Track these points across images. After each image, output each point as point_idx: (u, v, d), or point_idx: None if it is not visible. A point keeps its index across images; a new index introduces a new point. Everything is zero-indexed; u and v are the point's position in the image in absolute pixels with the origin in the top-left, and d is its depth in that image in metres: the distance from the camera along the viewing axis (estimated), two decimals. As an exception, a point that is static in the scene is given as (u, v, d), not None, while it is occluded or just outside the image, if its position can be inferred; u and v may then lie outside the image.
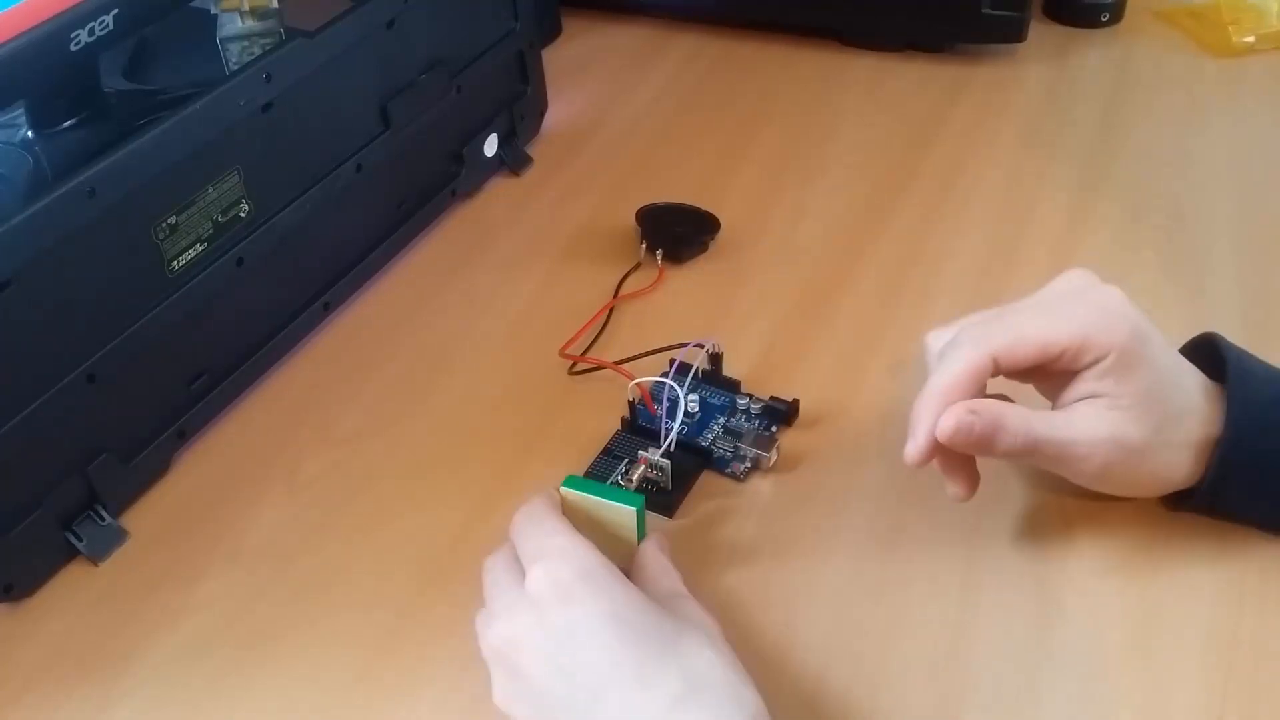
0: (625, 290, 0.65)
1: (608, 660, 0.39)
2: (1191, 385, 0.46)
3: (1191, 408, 0.45)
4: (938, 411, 0.44)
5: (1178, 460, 0.46)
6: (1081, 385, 0.45)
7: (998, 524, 0.50)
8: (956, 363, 0.45)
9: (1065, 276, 0.47)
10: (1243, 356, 0.47)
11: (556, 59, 0.85)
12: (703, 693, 0.38)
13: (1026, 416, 0.45)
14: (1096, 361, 0.44)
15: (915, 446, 0.45)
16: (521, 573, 0.43)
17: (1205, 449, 0.45)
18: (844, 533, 0.50)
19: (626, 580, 0.42)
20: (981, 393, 0.45)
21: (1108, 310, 0.45)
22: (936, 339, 0.49)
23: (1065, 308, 0.45)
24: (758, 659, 0.44)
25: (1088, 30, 0.87)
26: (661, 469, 0.52)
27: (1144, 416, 0.44)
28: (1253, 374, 0.46)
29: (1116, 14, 0.87)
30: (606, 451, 0.54)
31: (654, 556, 0.46)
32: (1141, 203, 0.68)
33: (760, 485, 0.53)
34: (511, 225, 0.72)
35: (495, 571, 0.44)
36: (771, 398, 0.56)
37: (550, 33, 0.89)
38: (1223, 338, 0.48)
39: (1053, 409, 0.47)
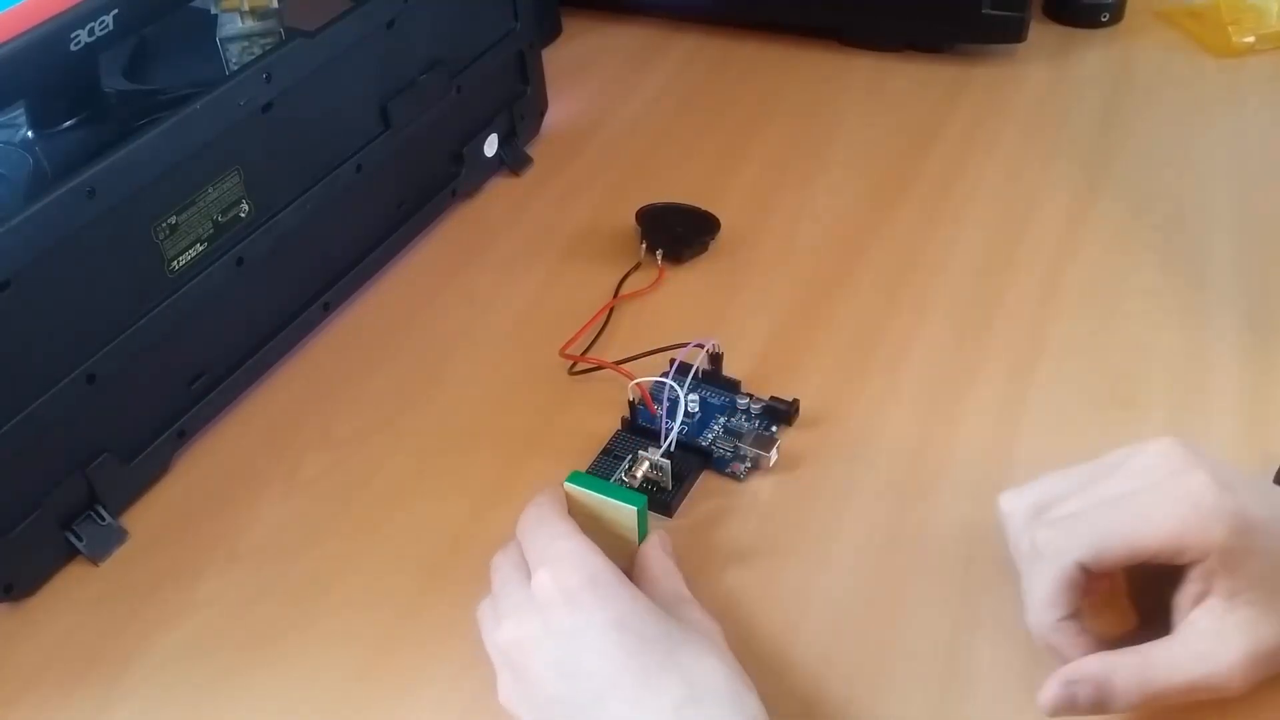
0: (625, 290, 0.65)
1: (611, 666, 0.39)
2: None
3: None
4: (1052, 637, 0.41)
5: None
6: (1191, 586, 0.40)
7: (998, 524, 0.49)
8: (1044, 584, 0.41)
9: (1154, 450, 0.42)
10: None
11: (556, 59, 0.85)
12: (704, 700, 0.38)
13: (1140, 665, 0.40)
14: (1196, 562, 0.40)
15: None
16: (529, 572, 0.43)
17: None
18: (844, 533, 0.50)
19: (633, 586, 0.42)
20: (1080, 597, 0.41)
21: (1200, 506, 0.39)
22: (1009, 501, 0.45)
23: (1154, 503, 0.40)
24: (758, 659, 0.44)
25: (1088, 30, 0.86)
26: (661, 469, 0.52)
27: (1273, 602, 0.39)
28: None
29: (1116, 14, 0.87)
30: (607, 451, 0.54)
31: (656, 557, 0.46)
32: (1141, 203, 0.68)
33: (760, 485, 0.53)
34: (511, 225, 0.71)
35: (504, 570, 0.44)
36: (772, 397, 0.56)
37: (550, 33, 0.89)
38: None
39: (1171, 610, 0.41)
